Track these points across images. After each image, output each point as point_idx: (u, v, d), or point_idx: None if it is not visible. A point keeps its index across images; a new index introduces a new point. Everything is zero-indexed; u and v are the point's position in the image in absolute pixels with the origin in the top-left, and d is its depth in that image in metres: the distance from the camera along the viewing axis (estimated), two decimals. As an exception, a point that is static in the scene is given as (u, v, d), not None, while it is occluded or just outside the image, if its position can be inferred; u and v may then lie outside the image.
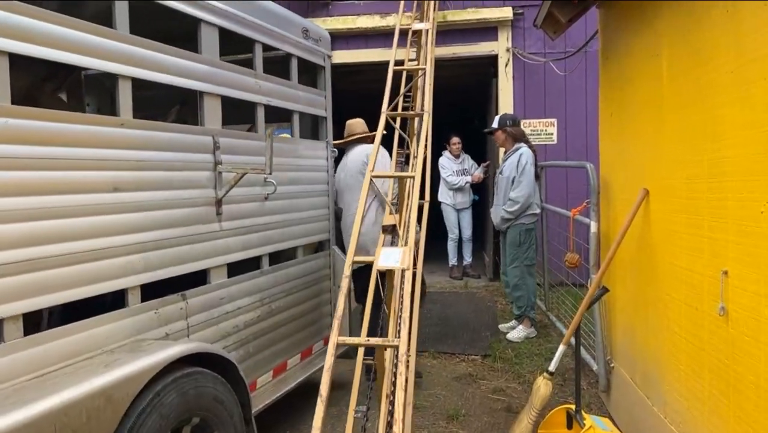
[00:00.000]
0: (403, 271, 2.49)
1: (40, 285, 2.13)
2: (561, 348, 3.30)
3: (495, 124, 5.87)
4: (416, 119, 3.92)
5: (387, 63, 3.59)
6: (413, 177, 2.95)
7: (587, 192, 4.28)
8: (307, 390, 4.03)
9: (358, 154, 4.65)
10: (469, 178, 8.59)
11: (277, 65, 4.00)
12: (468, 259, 8.88)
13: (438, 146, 9.12)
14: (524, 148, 5.53)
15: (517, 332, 5.46)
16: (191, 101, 3.11)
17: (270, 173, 3.00)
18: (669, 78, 2.83)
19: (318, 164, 4.27)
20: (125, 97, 2.52)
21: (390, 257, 2.47)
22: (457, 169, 8.66)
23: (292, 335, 3.82)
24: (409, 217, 2.84)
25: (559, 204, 6.34)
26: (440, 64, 8.44)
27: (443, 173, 8.64)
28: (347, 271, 2.32)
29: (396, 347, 2.16)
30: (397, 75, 3.55)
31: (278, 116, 4.07)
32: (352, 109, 5.77)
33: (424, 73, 3.96)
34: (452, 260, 8.96)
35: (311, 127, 4.48)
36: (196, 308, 2.94)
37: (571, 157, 7.59)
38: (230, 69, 3.24)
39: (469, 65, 8.58)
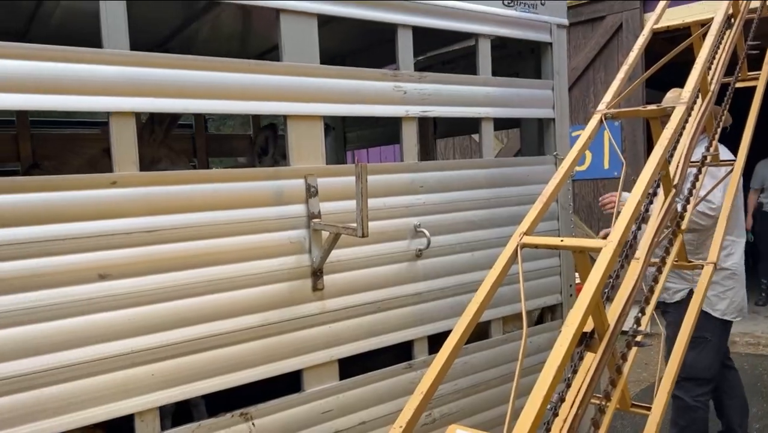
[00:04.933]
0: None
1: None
2: None
3: None
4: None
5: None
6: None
7: None
8: None
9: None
10: None
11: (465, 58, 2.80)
12: None
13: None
14: None
15: None
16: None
17: (363, 234, 1.87)
18: None
19: (536, 192, 2.84)
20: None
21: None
22: None
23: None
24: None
25: None
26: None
27: None
28: None
29: None
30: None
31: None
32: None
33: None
34: None
35: (529, 136, 3.08)
36: (274, 431, 2.04)
37: None
38: (341, 75, 2.20)
39: None
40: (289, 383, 2.11)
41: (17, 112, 3.22)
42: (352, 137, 4.39)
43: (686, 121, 2.13)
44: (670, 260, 2.06)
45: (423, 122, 3.87)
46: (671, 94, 3.24)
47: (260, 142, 2.73)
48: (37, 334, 1.61)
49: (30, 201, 1.60)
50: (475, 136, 6.83)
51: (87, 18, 1.76)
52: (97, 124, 3.92)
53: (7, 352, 1.58)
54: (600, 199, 3.43)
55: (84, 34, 1.82)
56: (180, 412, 2.19)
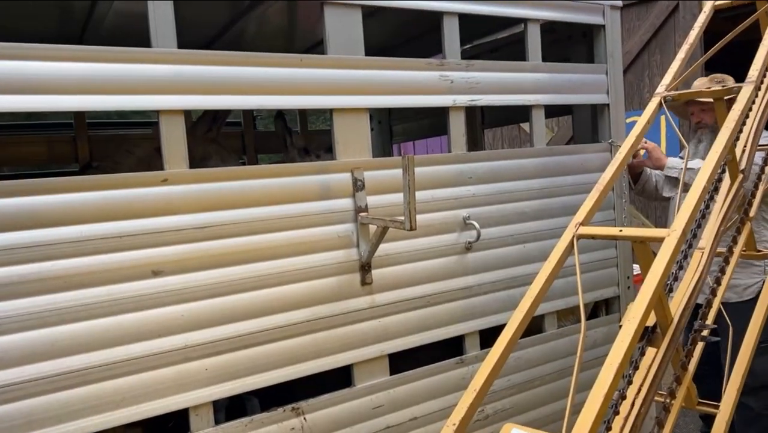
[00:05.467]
0: None
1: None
2: None
3: None
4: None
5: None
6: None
7: None
8: None
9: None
10: None
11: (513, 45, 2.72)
12: None
13: None
14: None
15: None
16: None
17: (411, 228, 1.83)
18: None
19: (590, 181, 2.74)
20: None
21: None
22: None
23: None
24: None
25: None
26: None
27: None
28: None
29: None
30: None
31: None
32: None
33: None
34: None
35: (583, 123, 2.97)
36: (325, 426, 2.03)
37: None
38: (385, 66, 2.17)
39: None
40: (340, 379, 2.11)
41: (75, 115, 3.33)
42: (398, 130, 4.36)
43: (753, 102, 2.00)
44: (737, 250, 1.94)
45: (470, 112, 3.79)
46: (698, 83, 3.01)
47: (280, 134, 2.74)
48: (93, 330, 1.65)
49: (84, 200, 1.64)
50: (524, 126, 6.69)
51: (139, 19, 1.79)
52: (150, 124, 4.03)
53: (66, 348, 1.62)
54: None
55: (137, 36, 1.85)
56: (233, 406, 2.21)
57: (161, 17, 1.76)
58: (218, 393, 1.84)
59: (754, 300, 2.79)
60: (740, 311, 2.54)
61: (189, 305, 1.79)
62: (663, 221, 3.77)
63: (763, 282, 2.83)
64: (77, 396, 1.65)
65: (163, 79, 1.76)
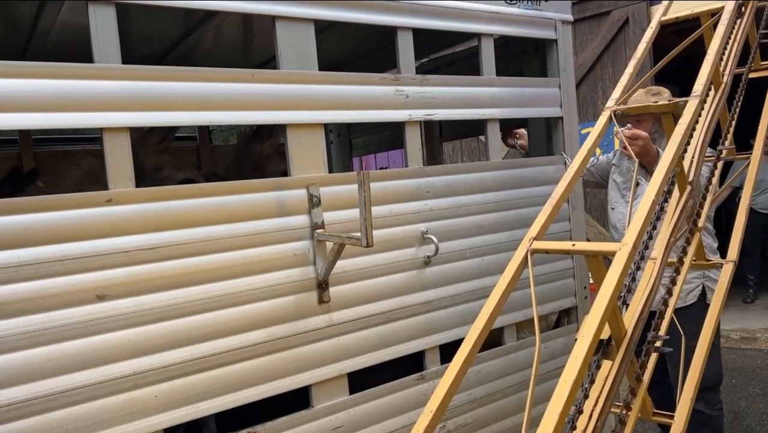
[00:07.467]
0: None
1: None
2: None
3: None
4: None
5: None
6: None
7: None
8: None
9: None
10: None
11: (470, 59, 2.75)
12: None
13: None
14: None
15: None
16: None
17: (367, 244, 1.81)
18: None
19: (546, 193, 2.77)
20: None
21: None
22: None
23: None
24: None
25: None
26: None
27: None
28: None
29: None
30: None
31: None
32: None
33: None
34: None
35: (538, 136, 3.01)
36: (284, 449, 1.98)
37: None
38: (340, 81, 2.15)
39: None
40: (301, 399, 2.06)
41: (19, 131, 3.20)
42: (357, 143, 4.34)
43: (699, 115, 2.05)
44: (688, 259, 1.98)
45: (428, 126, 3.81)
46: (635, 96, 3.01)
47: None
48: (35, 359, 1.57)
49: (23, 222, 1.56)
50: (483, 138, 6.76)
51: (85, 32, 1.72)
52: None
53: (6, 379, 1.53)
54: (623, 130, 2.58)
55: (85, 50, 1.78)
56: (189, 429, 2.14)
57: (103, 28, 1.70)
58: (169, 421, 1.77)
59: (696, 304, 2.90)
60: (685, 315, 2.61)
61: (137, 330, 1.72)
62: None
63: (702, 285, 2.95)
64: (18, 430, 1.56)
65: (106, 96, 1.69)
